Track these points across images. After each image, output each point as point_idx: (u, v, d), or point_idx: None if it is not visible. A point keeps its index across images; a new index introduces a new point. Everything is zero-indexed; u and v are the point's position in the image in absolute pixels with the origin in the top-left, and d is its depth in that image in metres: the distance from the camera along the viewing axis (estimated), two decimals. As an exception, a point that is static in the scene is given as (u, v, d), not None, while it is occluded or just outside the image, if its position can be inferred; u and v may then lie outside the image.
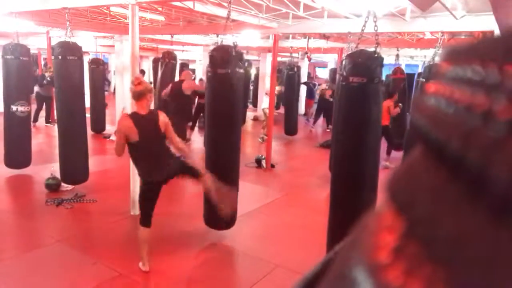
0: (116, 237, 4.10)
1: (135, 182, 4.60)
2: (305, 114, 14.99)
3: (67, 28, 5.04)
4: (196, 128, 10.75)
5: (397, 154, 7.25)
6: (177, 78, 8.92)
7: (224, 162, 3.86)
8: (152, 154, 3.23)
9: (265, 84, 10.09)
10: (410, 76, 13.76)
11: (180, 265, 3.60)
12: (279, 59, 11.23)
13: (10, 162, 5.86)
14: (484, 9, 4.64)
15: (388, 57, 10.84)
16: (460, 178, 0.18)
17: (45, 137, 9.10)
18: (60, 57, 4.95)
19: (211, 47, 4.08)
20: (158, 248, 3.87)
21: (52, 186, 5.21)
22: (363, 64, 3.14)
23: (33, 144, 6.17)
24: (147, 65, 15.25)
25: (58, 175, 5.25)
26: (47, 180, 5.25)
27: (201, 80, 9.72)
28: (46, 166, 5.80)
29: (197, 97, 9.04)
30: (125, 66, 8.40)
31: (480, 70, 0.18)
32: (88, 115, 5.86)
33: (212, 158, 3.92)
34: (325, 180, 5.87)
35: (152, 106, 3.81)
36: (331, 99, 10.25)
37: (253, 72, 15.09)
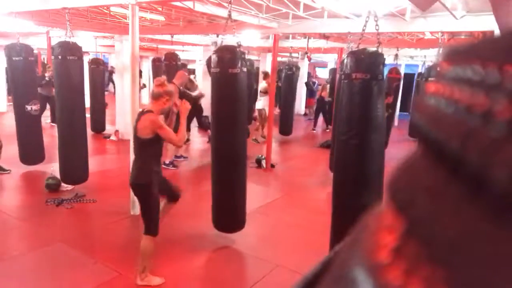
0: (116, 237, 4.11)
1: (135, 182, 4.60)
2: (305, 114, 15.01)
3: (67, 28, 5.04)
4: (196, 128, 10.75)
5: (395, 154, 7.24)
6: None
7: (231, 162, 3.85)
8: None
9: (260, 83, 10.06)
10: (410, 76, 13.78)
11: (180, 265, 3.60)
12: (279, 59, 11.23)
13: (28, 159, 6.08)
14: (484, 9, 4.64)
15: (388, 57, 10.84)
16: (460, 178, 0.18)
17: (46, 137, 9.08)
18: (60, 57, 4.95)
19: (212, 47, 4.06)
20: (157, 248, 3.87)
21: (52, 186, 5.21)
22: (366, 61, 3.09)
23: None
24: (147, 65, 15.26)
25: (58, 175, 5.25)
26: (47, 180, 5.25)
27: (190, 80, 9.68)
28: (46, 166, 5.80)
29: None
30: (125, 66, 8.41)
31: (480, 70, 0.18)
32: (88, 115, 5.86)
33: (219, 159, 3.90)
34: (325, 180, 5.88)
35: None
36: (330, 99, 10.26)
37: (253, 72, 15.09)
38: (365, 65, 3.09)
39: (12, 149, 6.18)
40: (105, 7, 6.21)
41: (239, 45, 3.68)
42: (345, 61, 3.25)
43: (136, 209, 4.62)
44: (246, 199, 4.02)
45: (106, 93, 10.93)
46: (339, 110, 3.48)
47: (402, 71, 13.56)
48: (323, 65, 18.07)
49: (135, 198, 4.60)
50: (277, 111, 10.30)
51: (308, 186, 6.19)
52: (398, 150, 8.18)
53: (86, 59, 7.80)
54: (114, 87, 17.70)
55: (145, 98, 14.31)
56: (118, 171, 6.31)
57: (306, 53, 8.99)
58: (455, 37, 7.08)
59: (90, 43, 10.23)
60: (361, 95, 3.10)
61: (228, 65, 3.63)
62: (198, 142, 9.26)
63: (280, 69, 11.25)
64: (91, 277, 3.30)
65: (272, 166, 7.14)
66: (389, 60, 10.43)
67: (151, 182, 3.08)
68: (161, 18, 7.35)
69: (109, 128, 9.59)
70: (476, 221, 0.16)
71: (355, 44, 3.93)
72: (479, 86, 0.18)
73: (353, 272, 0.19)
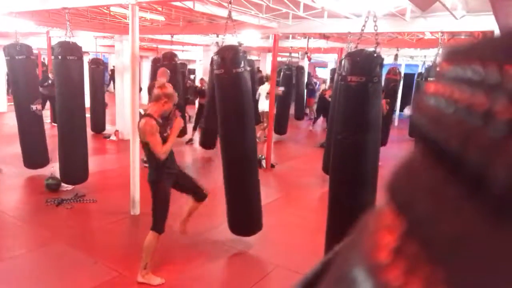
0: (116, 237, 4.11)
1: (135, 182, 4.60)
2: (305, 114, 15.00)
3: (67, 28, 5.04)
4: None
5: (395, 154, 7.24)
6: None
7: (243, 161, 3.83)
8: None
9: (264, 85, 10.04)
10: (410, 76, 13.78)
11: (179, 265, 3.60)
12: (279, 59, 11.23)
13: (34, 161, 5.93)
14: (484, 9, 4.64)
15: (388, 57, 10.84)
16: (460, 178, 0.18)
17: (46, 137, 9.08)
18: (60, 57, 4.95)
19: (212, 47, 4.05)
20: (158, 248, 3.87)
21: (52, 186, 5.21)
22: (362, 64, 3.12)
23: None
24: (147, 65, 15.26)
25: (58, 175, 5.25)
26: (47, 180, 5.25)
27: (201, 79, 9.68)
28: (46, 166, 5.80)
29: (198, 97, 9.03)
30: (125, 66, 8.41)
31: (480, 70, 0.18)
32: (88, 115, 5.86)
33: (229, 158, 3.85)
34: (325, 180, 5.87)
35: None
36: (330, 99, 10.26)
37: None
38: (360, 68, 3.11)
39: (11, 149, 6.18)
40: (105, 7, 6.21)
41: (241, 45, 3.67)
42: (343, 62, 3.27)
43: (136, 209, 4.62)
44: (260, 199, 3.96)
45: (106, 93, 10.92)
46: (336, 111, 3.52)
47: (402, 71, 13.55)
48: (323, 65, 18.07)
49: (135, 198, 4.62)
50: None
51: (308, 186, 6.20)
52: (398, 150, 8.19)
53: (86, 59, 7.80)
54: (114, 87, 17.71)
55: (145, 98, 14.31)
56: (118, 171, 6.31)
57: (306, 53, 8.99)
58: (455, 37, 7.08)
59: (90, 43, 10.23)
60: (356, 97, 3.15)
61: (232, 65, 3.59)
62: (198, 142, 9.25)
63: (280, 69, 11.26)
64: (91, 277, 3.30)
65: (272, 166, 7.14)
66: (389, 60, 10.44)
67: (159, 180, 3.17)
68: (161, 18, 7.35)
69: (109, 128, 9.59)
70: (475, 221, 0.16)
71: (354, 44, 3.93)
72: (479, 86, 0.18)
73: (353, 272, 0.19)
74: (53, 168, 5.32)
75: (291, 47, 10.29)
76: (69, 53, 4.96)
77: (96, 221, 4.64)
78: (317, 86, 14.08)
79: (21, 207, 5.00)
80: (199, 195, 3.54)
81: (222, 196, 5.48)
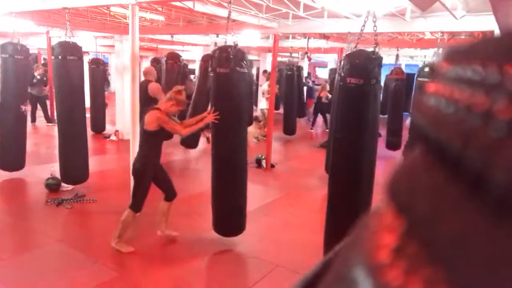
0: (116, 237, 4.10)
1: (135, 182, 4.60)
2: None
3: (67, 28, 5.04)
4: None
5: (392, 153, 7.25)
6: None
7: (232, 162, 3.82)
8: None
9: (262, 84, 10.07)
10: (410, 76, 13.77)
11: (179, 265, 3.60)
12: (279, 59, 11.24)
13: (8, 164, 5.82)
14: (484, 9, 4.64)
15: (388, 57, 10.85)
16: (460, 178, 0.18)
17: (45, 137, 9.10)
18: (60, 57, 4.95)
19: (212, 47, 4.03)
20: (157, 248, 3.87)
21: (52, 186, 5.21)
22: (360, 65, 3.14)
23: (33, 144, 6.17)
24: (147, 65, 15.25)
25: (58, 175, 5.25)
26: (47, 180, 5.25)
27: (190, 80, 9.65)
28: (46, 166, 5.80)
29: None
30: (125, 66, 8.41)
31: (480, 70, 0.18)
32: (88, 115, 5.86)
33: (219, 158, 3.86)
34: (325, 180, 5.87)
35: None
36: (326, 101, 10.27)
37: (253, 72, 15.09)
38: (359, 69, 3.13)
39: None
40: (105, 7, 6.21)
41: (236, 45, 3.66)
42: (342, 63, 3.29)
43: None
44: (246, 201, 3.98)
45: (106, 93, 10.92)
46: (335, 111, 3.54)
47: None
48: (323, 65, 18.08)
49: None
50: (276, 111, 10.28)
51: (308, 186, 6.20)
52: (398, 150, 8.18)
53: (86, 59, 7.80)
54: (109, 86, 17.68)
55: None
56: (118, 171, 6.31)
57: (306, 53, 8.99)
58: (455, 37, 7.08)
59: (90, 43, 10.23)
60: (355, 98, 3.18)
61: (219, 65, 3.60)
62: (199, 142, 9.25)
63: (280, 69, 11.25)
64: (91, 277, 3.30)
65: (272, 166, 7.14)
66: (389, 60, 10.45)
67: (144, 169, 3.62)
68: (161, 18, 7.35)
69: (109, 128, 9.59)
70: (476, 221, 0.16)
71: (354, 44, 3.93)
72: (479, 86, 0.18)
73: (353, 272, 0.19)
74: (53, 168, 5.32)
75: (291, 47, 10.29)
76: (69, 53, 4.96)
77: (96, 221, 4.64)
78: (313, 86, 14.09)
79: (21, 207, 4.99)
80: (170, 194, 3.86)
81: (222, 196, 5.46)
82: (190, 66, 14.63)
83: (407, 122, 8.17)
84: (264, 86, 9.68)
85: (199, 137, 7.37)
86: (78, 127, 5.23)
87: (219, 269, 3.65)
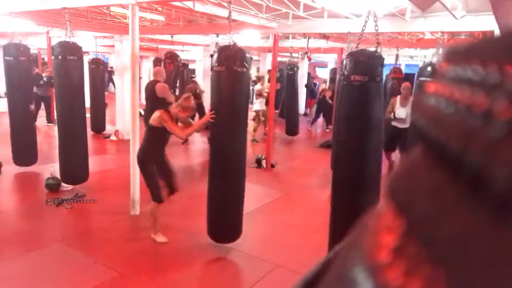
0: (116, 237, 4.10)
1: (135, 182, 4.60)
2: (305, 114, 15.00)
3: (67, 28, 5.04)
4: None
5: (395, 154, 7.25)
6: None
7: (231, 162, 3.74)
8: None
9: (256, 86, 10.02)
10: (410, 76, 13.76)
11: (179, 265, 3.59)
12: (279, 59, 11.24)
13: (22, 159, 6.03)
14: (484, 9, 4.64)
15: (388, 57, 10.84)
16: (460, 178, 0.18)
17: (45, 137, 9.10)
18: (60, 57, 4.95)
19: (212, 47, 4.01)
20: (156, 248, 3.87)
21: (52, 186, 5.21)
22: (364, 63, 3.10)
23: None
24: (147, 65, 15.25)
25: (58, 175, 5.25)
26: (47, 180, 5.25)
27: (194, 81, 9.66)
28: (46, 166, 5.80)
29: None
30: (125, 66, 8.41)
31: (480, 70, 0.18)
32: (88, 115, 5.86)
33: (217, 157, 3.78)
34: (325, 180, 5.87)
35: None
36: (330, 101, 10.26)
37: (253, 71, 15.08)
38: (363, 67, 3.09)
39: (11, 149, 6.16)
40: (105, 7, 6.21)
41: (235, 44, 3.65)
42: (344, 62, 3.26)
43: (136, 209, 4.63)
44: (243, 205, 3.83)
45: (106, 93, 10.93)
46: (339, 111, 3.50)
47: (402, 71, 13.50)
48: (323, 65, 18.07)
49: (135, 198, 4.62)
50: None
51: (308, 186, 6.20)
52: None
53: (86, 59, 7.80)
54: (114, 87, 17.67)
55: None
56: (118, 171, 6.31)
57: (306, 53, 8.99)
58: (455, 37, 7.08)
59: (90, 43, 10.23)
60: (359, 96, 3.12)
61: (233, 63, 3.51)
62: (198, 142, 9.26)
63: (280, 69, 11.25)
64: (91, 277, 3.30)
65: (272, 166, 7.14)
66: (389, 60, 10.44)
67: (143, 159, 3.81)
68: (161, 18, 7.35)
69: (109, 128, 9.59)
70: (476, 221, 0.16)
71: (355, 44, 3.92)
72: (479, 86, 0.18)
73: (353, 272, 0.19)
74: (53, 168, 5.32)
75: (291, 47, 10.29)
76: (69, 53, 4.96)
77: (96, 221, 4.64)
78: (316, 86, 14.09)
79: (21, 207, 4.99)
80: (172, 187, 4.00)
81: (222, 196, 5.45)
82: (190, 66, 14.64)
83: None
84: (257, 86, 9.67)
85: None
86: (78, 127, 5.23)
87: (219, 269, 3.65)
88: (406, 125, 6.13)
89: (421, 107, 0.22)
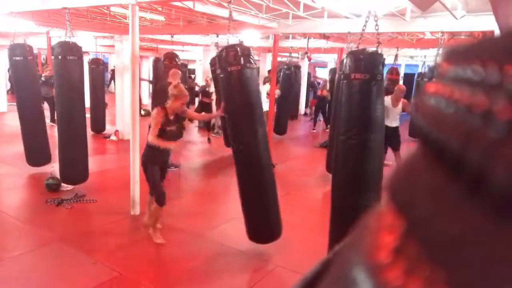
0: (116, 237, 4.10)
1: (135, 182, 4.60)
2: (305, 114, 15.01)
3: (67, 28, 5.04)
4: (196, 128, 10.74)
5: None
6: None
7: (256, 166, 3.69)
8: None
9: (263, 86, 10.02)
10: (410, 76, 13.77)
11: (179, 265, 3.60)
12: (279, 59, 11.25)
13: (35, 159, 6.05)
14: (484, 9, 4.64)
15: (388, 57, 10.84)
16: (460, 178, 0.18)
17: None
18: (60, 57, 4.95)
19: (212, 47, 4.00)
20: (156, 248, 3.87)
21: (52, 186, 5.21)
22: (365, 61, 3.07)
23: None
24: (147, 65, 15.25)
25: (58, 175, 5.25)
26: (47, 180, 5.25)
27: (208, 78, 9.67)
28: (46, 166, 5.80)
29: (200, 95, 9.03)
30: (125, 66, 8.41)
31: (480, 70, 0.18)
32: (88, 115, 5.86)
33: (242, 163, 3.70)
34: (325, 180, 5.88)
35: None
36: (328, 99, 10.28)
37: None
38: (364, 65, 3.07)
39: (11, 149, 6.17)
40: (105, 7, 6.21)
41: (241, 43, 3.66)
42: (344, 61, 3.24)
43: (136, 209, 4.63)
44: (278, 201, 3.80)
45: (106, 93, 10.93)
46: (338, 110, 3.46)
47: (402, 71, 13.54)
48: (323, 65, 18.08)
49: (135, 198, 4.62)
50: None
51: (308, 186, 6.19)
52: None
53: (86, 59, 7.80)
54: (115, 86, 17.66)
55: (144, 99, 14.27)
56: (118, 171, 6.31)
57: (306, 53, 8.99)
58: (455, 37, 7.08)
59: (90, 43, 10.23)
60: (360, 95, 3.09)
61: (241, 62, 3.47)
62: (199, 142, 9.27)
63: (279, 69, 11.26)
64: (91, 277, 3.30)
65: (273, 166, 7.13)
66: (389, 60, 10.44)
67: (145, 161, 3.80)
68: (161, 18, 7.35)
69: (109, 128, 9.59)
70: (476, 221, 0.16)
71: (355, 44, 3.92)
72: (479, 86, 0.18)
73: (353, 272, 0.19)
74: (53, 168, 5.32)
75: (291, 47, 10.29)
76: (69, 53, 4.96)
77: (96, 221, 4.64)
78: (319, 86, 14.13)
79: (21, 207, 5.00)
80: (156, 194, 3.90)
81: (222, 197, 5.49)
82: (190, 66, 14.64)
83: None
84: (264, 88, 9.67)
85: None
86: (78, 127, 5.23)
87: (219, 269, 3.65)
88: (396, 124, 6.14)
89: (421, 107, 0.22)
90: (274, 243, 4.11)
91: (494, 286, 0.15)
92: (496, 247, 0.15)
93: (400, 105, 6.11)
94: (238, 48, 3.50)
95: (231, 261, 3.78)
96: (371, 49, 3.33)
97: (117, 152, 8.07)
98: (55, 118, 9.55)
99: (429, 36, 7.52)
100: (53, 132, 9.22)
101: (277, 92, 9.16)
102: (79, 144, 5.25)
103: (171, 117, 3.76)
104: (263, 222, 3.74)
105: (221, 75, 3.57)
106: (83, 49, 5.37)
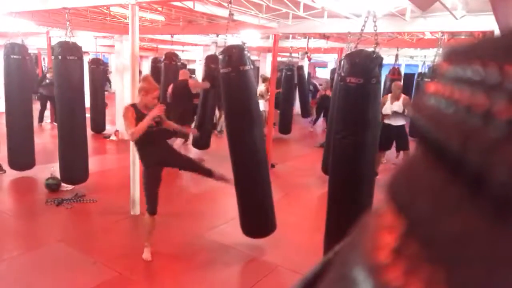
0: (116, 237, 4.11)
1: (135, 182, 4.60)
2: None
3: (67, 28, 5.04)
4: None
5: (395, 154, 7.25)
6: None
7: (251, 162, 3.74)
8: None
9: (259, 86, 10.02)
10: (410, 76, 13.76)
11: (179, 265, 3.59)
12: (279, 59, 11.25)
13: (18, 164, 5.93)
14: (484, 9, 4.64)
15: (388, 57, 10.84)
16: (460, 178, 0.18)
17: (46, 137, 9.10)
18: (60, 57, 4.95)
19: (212, 47, 4.01)
20: (157, 247, 3.87)
21: (52, 186, 5.21)
22: (360, 65, 3.11)
23: (35, 144, 6.16)
24: (147, 65, 15.24)
25: (58, 175, 5.25)
26: (47, 180, 5.25)
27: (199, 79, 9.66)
28: (46, 166, 5.80)
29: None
30: (125, 66, 8.40)
31: (480, 70, 0.18)
32: (88, 115, 5.85)
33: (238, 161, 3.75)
34: (325, 180, 5.87)
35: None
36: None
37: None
38: (359, 69, 3.10)
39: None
40: (105, 7, 6.21)
41: (244, 44, 3.67)
42: (342, 63, 3.27)
43: (136, 209, 4.63)
44: (272, 198, 3.86)
45: (106, 93, 10.93)
46: (335, 111, 3.51)
47: (402, 71, 13.52)
48: (323, 65, 18.07)
49: (135, 198, 4.62)
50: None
51: (308, 186, 6.19)
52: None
53: (86, 59, 7.80)
54: (110, 86, 17.64)
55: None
56: (118, 171, 6.31)
57: (306, 53, 8.99)
58: (455, 37, 7.08)
59: (90, 43, 10.22)
60: (355, 98, 3.14)
61: (239, 63, 3.49)
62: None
63: (280, 69, 11.26)
64: (91, 277, 3.30)
65: (272, 166, 7.13)
66: (389, 60, 10.44)
67: (143, 163, 3.57)
68: (161, 18, 7.35)
69: (109, 128, 9.59)
70: (476, 221, 0.16)
71: (354, 44, 3.92)
72: (479, 86, 0.18)
73: (353, 272, 0.19)
74: (53, 168, 5.32)
75: (291, 47, 10.29)
76: (69, 53, 4.96)
77: (96, 221, 4.64)
78: (319, 87, 14.13)
79: (21, 207, 4.99)
80: (203, 170, 3.89)
81: (222, 197, 5.47)
82: (190, 66, 14.64)
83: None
84: (260, 87, 9.67)
85: (210, 138, 7.70)
86: (78, 127, 5.23)
87: (219, 269, 3.65)
88: (401, 123, 6.14)
89: (421, 107, 0.22)
90: (274, 243, 4.11)
91: (494, 286, 0.15)
92: (496, 247, 0.15)
93: (400, 102, 6.11)
94: (234, 50, 3.54)
95: (230, 261, 3.78)
96: (370, 49, 3.33)
97: (117, 152, 8.07)
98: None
99: (429, 36, 7.51)
100: (54, 132, 9.24)
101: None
102: (79, 144, 5.25)
103: (146, 112, 3.35)
104: (256, 217, 3.84)
105: (221, 76, 3.65)
106: (83, 49, 5.37)
